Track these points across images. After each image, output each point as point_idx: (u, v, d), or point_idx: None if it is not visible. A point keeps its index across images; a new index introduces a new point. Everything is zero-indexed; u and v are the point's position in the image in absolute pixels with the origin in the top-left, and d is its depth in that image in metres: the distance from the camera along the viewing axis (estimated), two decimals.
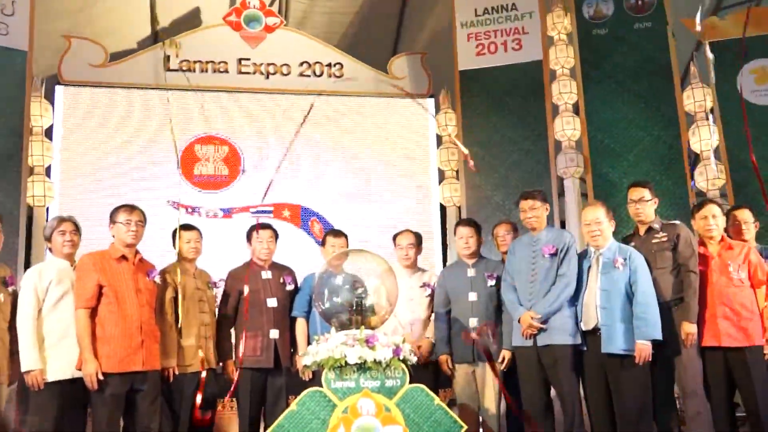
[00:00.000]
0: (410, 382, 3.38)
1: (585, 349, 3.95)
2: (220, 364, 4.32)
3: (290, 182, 6.67)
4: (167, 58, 6.67)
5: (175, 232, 4.29)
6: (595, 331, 3.86)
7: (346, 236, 4.64)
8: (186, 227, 4.33)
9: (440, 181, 6.93)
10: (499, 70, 6.80)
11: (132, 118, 6.52)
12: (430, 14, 8.03)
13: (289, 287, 4.44)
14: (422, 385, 3.42)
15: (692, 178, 6.25)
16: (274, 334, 4.28)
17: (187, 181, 6.48)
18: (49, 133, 6.25)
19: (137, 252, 3.85)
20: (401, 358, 3.38)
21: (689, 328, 3.89)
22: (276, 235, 4.52)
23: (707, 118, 6.28)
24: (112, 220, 3.83)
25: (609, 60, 6.59)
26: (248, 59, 6.88)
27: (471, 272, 4.36)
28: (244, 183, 6.60)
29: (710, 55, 5.81)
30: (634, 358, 3.73)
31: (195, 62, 6.76)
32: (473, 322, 4.24)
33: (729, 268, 3.98)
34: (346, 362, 3.29)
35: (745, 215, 4.36)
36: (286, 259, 4.70)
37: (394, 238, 4.65)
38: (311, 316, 4.35)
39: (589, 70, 6.60)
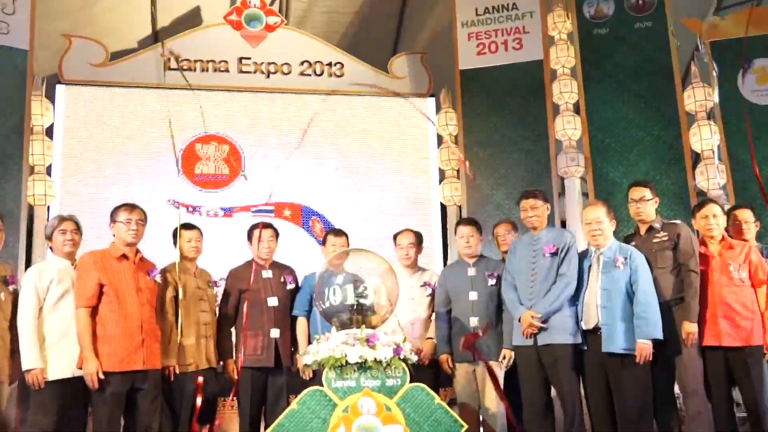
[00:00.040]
0: (411, 382, 3.39)
1: (585, 348, 3.95)
2: (221, 363, 4.32)
3: (291, 181, 6.67)
4: (167, 58, 6.67)
5: (175, 231, 4.29)
6: (596, 330, 3.86)
7: (346, 235, 4.64)
8: (186, 226, 4.33)
9: (441, 181, 6.93)
10: (499, 69, 6.80)
11: (132, 117, 6.52)
12: (431, 14, 8.04)
13: (290, 286, 4.44)
14: (423, 385, 3.42)
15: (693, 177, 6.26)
16: (275, 333, 4.28)
17: (187, 180, 6.49)
18: (49, 132, 6.26)
19: (138, 251, 3.85)
20: (402, 357, 3.38)
21: (690, 328, 3.89)
22: (277, 234, 4.52)
23: (708, 118, 6.28)
24: (113, 219, 3.82)
25: (610, 59, 6.60)
26: (249, 58, 6.88)
27: (471, 271, 4.36)
28: (245, 182, 6.59)
29: (714, 72, 5.79)
30: (634, 358, 3.73)
31: (196, 61, 6.76)
32: (474, 321, 4.24)
33: (729, 268, 3.98)
34: (346, 361, 3.30)
35: (745, 215, 4.35)
36: (287, 259, 4.71)
37: (395, 237, 4.64)
38: (312, 315, 4.35)
39: (589, 70, 6.61)
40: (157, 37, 7.54)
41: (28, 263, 5.57)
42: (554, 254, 4.01)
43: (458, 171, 6.80)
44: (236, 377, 4.21)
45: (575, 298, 3.97)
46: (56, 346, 3.61)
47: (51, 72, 6.50)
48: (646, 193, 4.15)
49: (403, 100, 7.00)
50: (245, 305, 4.27)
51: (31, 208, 5.97)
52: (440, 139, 6.98)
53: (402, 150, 6.96)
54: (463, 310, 4.29)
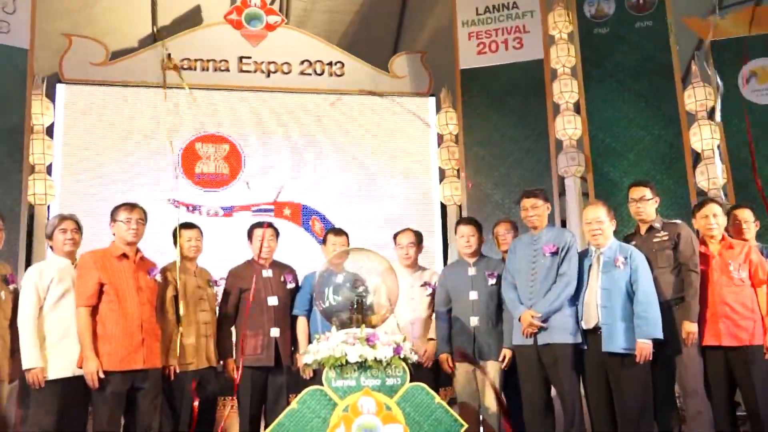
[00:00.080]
0: (411, 381, 3.39)
1: (585, 348, 3.95)
2: (221, 362, 4.32)
3: (291, 181, 6.67)
4: (168, 57, 6.66)
5: (175, 230, 4.29)
6: (596, 330, 3.86)
7: (347, 235, 4.65)
8: (187, 226, 4.34)
9: (441, 180, 6.93)
10: (499, 68, 6.79)
11: (133, 117, 6.51)
12: (431, 13, 8.03)
13: (290, 286, 4.44)
14: (423, 384, 3.43)
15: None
16: (275, 332, 4.28)
17: (188, 180, 6.49)
18: (50, 131, 6.25)
19: (138, 250, 3.86)
20: (402, 356, 3.38)
21: (690, 327, 3.89)
22: (277, 234, 4.52)
23: (708, 117, 6.27)
24: (113, 218, 3.83)
25: (610, 59, 6.59)
26: (249, 58, 6.87)
27: (472, 271, 4.36)
28: (245, 181, 6.58)
29: (719, 84, 5.77)
30: (634, 357, 3.73)
31: (196, 60, 6.76)
32: (474, 320, 4.25)
33: (730, 268, 3.99)
34: (346, 361, 3.30)
35: (745, 214, 4.35)
36: (287, 258, 4.71)
37: (395, 237, 4.65)
38: (312, 314, 4.35)
39: (590, 69, 6.60)
40: (157, 36, 7.53)
41: (28, 262, 5.56)
42: (554, 254, 4.01)
43: (458, 170, 6.79)
44: (236, 376, 4.21)
45: (575, 298, 3.97)
46: (56, 346, 3.61)
47: (51, 71, 6.50)
48: (647, 192, 4.15)
49: (403, 100, 7.02)
50: (249, 305, 4.27)
51: (31, 207, 5.96)
52: (441, 138, 6.98)
53: (402, 149, 6.96)
54: (464, 309, 4.29)
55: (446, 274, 4.53)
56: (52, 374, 3.56)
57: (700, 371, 3.98)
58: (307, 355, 3.49)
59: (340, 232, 4.67)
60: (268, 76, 6.89)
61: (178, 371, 3.95)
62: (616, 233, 4.07)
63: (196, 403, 3.98)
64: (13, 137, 5.90)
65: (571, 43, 6.67)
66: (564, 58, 6.62)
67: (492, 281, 4.29)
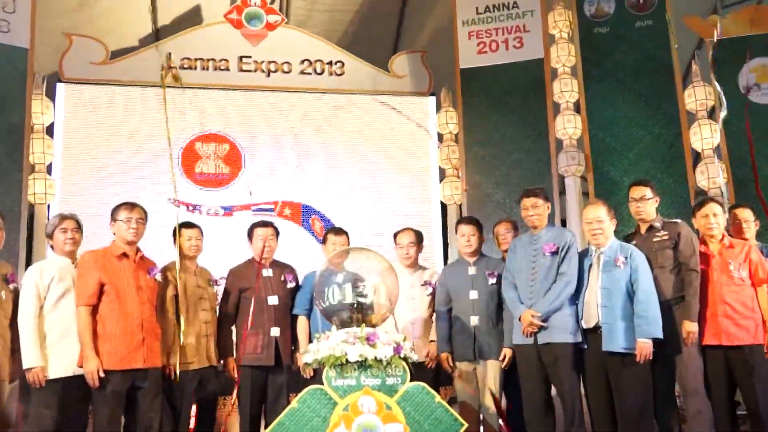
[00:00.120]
0: (411, 380, 3.39)
1: (586, 347, 3.95)
2: (221, 361, 4.32)
3: (291, 180, 6.68)
4: (168, 56, 6.67)
5: (175, 229, 4.29)
6: (596, 329, 3.86)
7: (347, 234, 4.65)
8: (187, 225, 4.34)
9: (441, 179, 6.93)
10: (500, 68, 6.80)
11: (133, 116, 6.52)
12: (431, 12, 8.04)
13: (290, 285, 4.44)
14: (423, 383, 3.42)
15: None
16: (275, 331, 4.28)
17: (188, 179, 6.49)
18: (50, 130, 6.26)
19: (138, 250, 3.86)
20: (402, 356, 3.38)
21: (690, 327, 3.89)
22: (277, 233, 4.52)
23: (709, 117, 6.27)
24: (113, 217, 3.83)
25: (610, 58, 6.59)
26: (249, 57, 6.88)
27: (472, 270, 4.36)
28: (245, 181, 6.59)
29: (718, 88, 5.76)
30: (634, 357, 3.73)
31: (196, 60, 6.76)
32: (474, 320, 4.25)
33: (730, 267, 3.98)
34: (347, 360, 3.30)
35: (745, 214, 4.35)
36: (287, 257, 4.71)
37: (395, 236, 4.65)
38: (312, 314, 4.35)
39: (590, 69, 6.60)
40: (157, 35, 7.54)
41: (28, 262, 5.57)
42: (554, 253, 4.01)
43: (458, 170, 6.80)
44: (236, 376, 4.21)
45: (575, 297, 3.97)
46: (57, 345, 3.61)
47: (51, 70, 6.50)
48: (647, 192, 4.15)
49: (404, 99, 7.02)
50: (248, 304, 4.28)
51: (31, 207, 5.97)
52: (441, 138, 6.98)
53: (402, 148, 6.96)
54: (464, 309, 4.29)
55: (446, 274, 4.53)
56: (53, 373, 3.57)
57: (700, 371, 3.98)
58: (308, 355, 3.49)
59: (340, 231, 4.66)
60: (269, 75, 6.89)
61: (178, 371, 3.94)
62: (616, 233, 4.07)
63: (194, 408, 3.97)
64: (13, 137, 5.91)
65: (572, 43, 6.67)
66: (564, 57, 6.63)
67: (492, 281, 4.29)
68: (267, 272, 4.40)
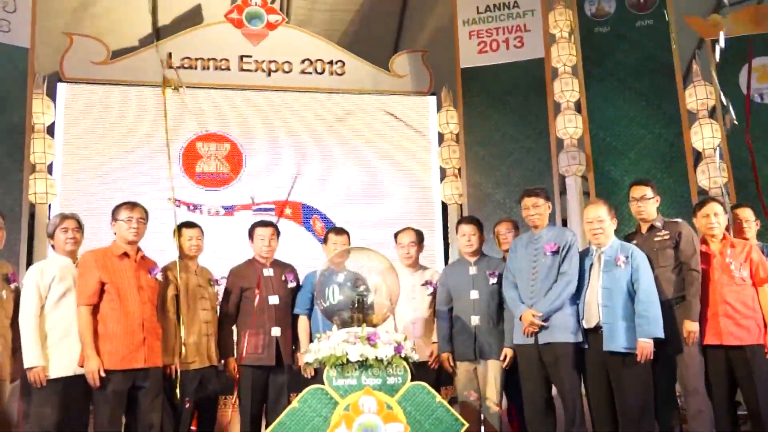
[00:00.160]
0: (412, 380, 3.39)
1: (586, 347, 3.95)
2: (222, 361, 4.32)
3: (292, 180, 6.67)
4: (169, 55, 6.68)
5: (176, 229, 4.29)
6: (597, 329, 3.86)
7: (348, 234, 4.64)
8: (188, 224, 4.34)
9: (442, 179, 6.93)
10: (500, 67, 6.80)
11: (133, 115, 6.52)
12: (432, 12, 8.04)
13: (291, 285, 4.44)
14: (424, 383, 3.42)
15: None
16: (276, 331, 4.28)
17: (188, 179, 6.49)
18: (50, 130, 6.26)
19: (139, 249, 3.86)
20: (403, 355, 3.38)
21: (691, 327, 3.89)
22: (278, 233, 4.53)
23: (710, 116, 6.27)
24: (114, 217, 3.83)
25: (611, 58, 6.59)
26: (250, 57, 6.88)
27: (473, 270, 4.36)
28: (246, 181, 6.60)
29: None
30: (635, 356, 3.73)
31: (197, 59, 6.76)
32: (475, 320, 4.25)
33: (731, 267, 3.98)
34: (347, 360, 3.30)
35: (746, 213, 4.35)
36: (288, 257, 4.71)
37: (396, 236, 4.65)
38: (313, 313, 4.35)
39: (591, 68, 6.60)
40: (158, 35, 7.54)
41: (29, 261, 5.57)
42: (555, 253, 4.01)
43: (459, 169, 6.80)
44: (237, 375, 4.21)
45: (576, 297, 3.97)
46: (58, 344, 3.61)
47: (52, 70, 6.51)
48: (648, 191, 4.14)
49: (404, 99, 7.02)
50: (249, 304, 4.28)
51: (32, 207, 5.97)
52: (441, 137, 6.98)
53: (403, 148, 6.96)
54: (465, 308, 4.29)
55: (447, 274, 4.53)
56: (54, 373, 3.57)
57: (701, 370, 3.97)
58: (308, 354, 3.49)
59: (340, 231, 4.66)
60: (269, 75, 6.89)
61: (179, 370, 3.95)
62: (616, 232, 4.07)
63: (188, 405, 3.97)
64: (13, 136, 5.91)
65: (572, 42, 6.67)
66: (565, 56, 6.63)
67: (493, 280, 4.29)
68: (268, 272, 4.40)
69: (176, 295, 4.07)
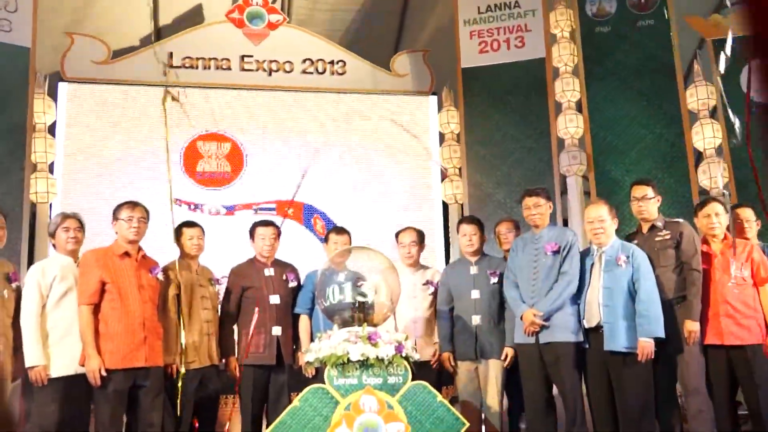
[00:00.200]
0: (412, 379, 3.39)
1: (587, 346, 3.95)
2: (223, 360, 4.32)
3: (292, 179, 6.67)
4: (170, 55, 6.68)
5: (177, 229, 4.30)
6: (598, 328, 3.86)
7: (349, 233, 4.65)
8: (189, 224, 4.35)
9: (442, 179, 6.93)
10: (501, 67, 6.79)
11: (134, 115, 6.52)
12: (432, 12, 8.03)
13: (292, 284, 4.44)
14: (425, 382, 3.42)
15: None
16: (277, 331, 4.28)
17: (189, 178, 6.49)
18: (52, 129, 6.26)
19: (140, 248, 3.86)
20: (404, 355, 3.38)
21: (692, 326, 3.89)
22: (279, 232, 4.53)
23: (711, 116, 6.27)
24: (115, 216, 3.84)
25: (612, 58, 6.58)
26: (251, 56, 6.88)
27: (474, 270, 4.36)
28: (247, 180, 6.60)
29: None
30: (636, 356, 3.73)
31: (198, 59, 6.76)
32: (476, 319, 4.25)
33: (731, 266, 3.98)
34: (348, 359, 3.30)
35: (747, 213, 4.35)
36: (289, 256, 4.71)
37: (397, 235, 4.65)
38: (314, 313, 4.35)
39: (592, 68, 6.60)
40: (159, 34, 7.54)
41: (30, 261, 5.57)
42: (556, 252, 4.01)
43: (460, 169, 6.80)
44: (238, 375, 4.22)
45: (577, 297, 3.97)
46: (59, 344, 3.62)
47: (53, 69, 6.51)
48: (649, 191, 4.14)
49: (405, 98, 7.02)
50: (250, 303, 4.29)
51: (33, 206, 5.97)
52: (442, 137, 6.98)
53: (404, 148, 6.96)
54: (466, 308, 4.29)
55: (448, 273, 4.53)
56: (55, 372, 3.57)
57: (702, 370, 3.97)
58: (309, 354, 3.50)
59: (341, 230, 4.66)
60: (270, 74, 6.89)
61: (182, 369, 3.95)
62: (617, 232, 4.07)
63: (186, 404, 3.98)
64: (14, 136, 5.91)
65: (573, 42, 6.67)
66: (566, 56, 6.62)
67: (494, 280, 4.29)
68: (269, 271, 4.41)
69: (177, 294, 4.07)
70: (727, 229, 4.16)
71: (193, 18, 7.51)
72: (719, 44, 6.29)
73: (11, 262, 4.05)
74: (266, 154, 6.71)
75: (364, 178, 6.83)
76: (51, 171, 6.16)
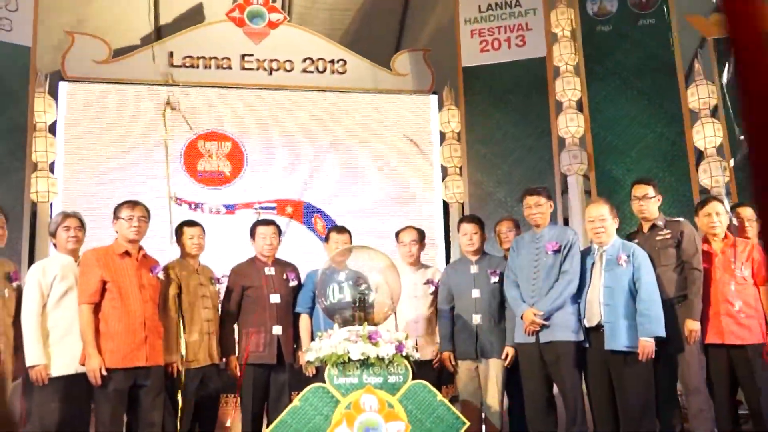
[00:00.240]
0: (413, 379, 3.39)
1: (588, 345, 3.94)
2: (223, 360, 4.33)
3: (293, 179, 6.68)
4: (170, 54, 6.68)
5: (178, 228, 4.30)
6: (599, 328, 3.85)
7: (349, 232, 4.65)
8: (189, 223, 4.35)
9: (443, 178, 6.92)
10: (502, 66, 6.78)
11: (135, 114, 6.51)
12: (433, 10, 8.03)
13: (292, 283, 4.44)
14: (425, 382, 3.42)
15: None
16: (277, 330, 4.28)
17: (190, 178, 6.49)
18: (52, 128, 6.26)
19: (140, 248, 3.86)
20: (404, 354, 3.38)
21: (692, 326, 3.88)
22: (279, 231, 4.53)
23: (711, 115, 6.26)
24: (116, 215, 3.84)
25: (613, 57, 6.58)
26: (251, 55, 6.87)
27: (474, 269, 4.36)
28: (248, 179, 6.60)
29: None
30: (637, 355, 3.73)
31: (198, 58, 6.76)
32: (476, 318, 4.25)
33: (732, 266, 3.98)
34: (349, 358, 3.30)
35: (748, 212, 4.34)
36: (289, 256, 4.71)
37: (397, 234, 4.65)
38: (315, 312, 4.35)
39: (592, 67, 6.59)
40: (159, 33, 7.54)
41: (31, 260, 5.57)
42: (557, 251, 4.01)
43: (461, 168, 6.80)
44: (239, 374, 4.22)
45: (578, 296, 3.97)
46: (59, 343, 3.62)
47: (54, 69, 6.50)
48: (649, 190, 4.14)
49: (406, 98, 7.01)
50: (250, 302, 4.28)
51: (34, 205, 5.97)
52: (443, 136, 6.98)
53: (404, 147, 6.96)
54: (466, 307, 4.29)
55: (449, 272, 4.53)
56: (55, 371, 3.57)
57: (703, 369, 3.97)
58: (310, 353, 3.50)
59: (342, 229, 4.66)
60: (271, 73, 6.89)
61: (183, 369, 3.95)
62: (618, 231, 4.07)
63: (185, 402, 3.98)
64: (15, 135, 5.91)
65: (574, 41, 6.66)
66: (567, 55, 6.61)
67: (494, 279, 4.28)
68: (269, 270, 4.41)
69: (178, 293, 4.07)
70: (728, 228, 4.16)
71: (194, 17, 7.51)
72: (723, 45, 6.29)
73: (12, 261, 4.05)
74: (267, 153, 6.70)
75: (365, 177, 6.82)
76: (51, 170, 6.16)
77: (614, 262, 3.88)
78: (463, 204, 6.72)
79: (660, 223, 4.11)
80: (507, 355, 4.17)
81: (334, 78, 6.99)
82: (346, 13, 8.06)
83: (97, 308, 3.63)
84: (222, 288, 4.46)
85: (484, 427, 4.29)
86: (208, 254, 4.46)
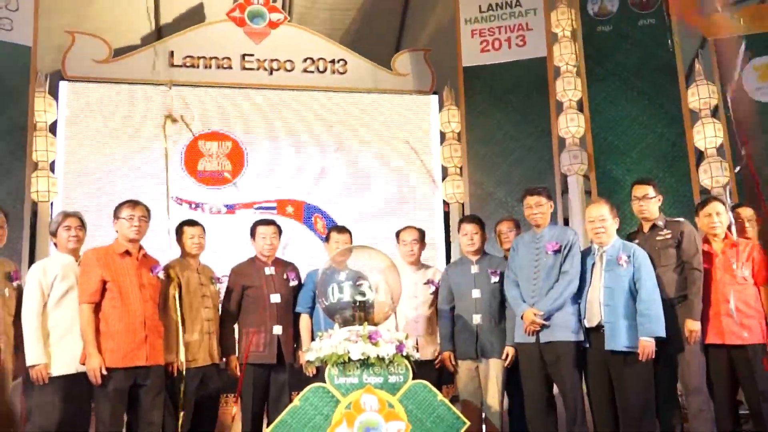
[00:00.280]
0: (413, 379, 3.39)
1: (588, 345, 3.95)
2: (223, 359, 4.33)
3: (293, 178, 6.68)
4: (171, 54, 6.68)
5: (178, 227, 4.30)
6: (599, 328, 3.86)
7: (350, 232, 4.65)
8: (189, 223, 4.35)
9: (443, 178, 6.93)
10: (502, 66, 6.79)
11: (135, 114, 6.51)
12: (434, 10, 8.03)
13: (293, 283, 4.44)
14: (425, 382, 3.42)
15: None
16: (278, 330, 4.29)
17: (190, 177, 6.49)
18: (53, 128, 6.26)
19: (141, 247, 3.86)
20: (404, 354, 3.38)
21: (693, 326, 3.89)
22: (279, 231, 4.53)
23: (712, 116, 6.27)
24: (116, 215, 3.84)
25: (613, 57, 6.58)
26: (252, 55, 6.87)
27: (475, 269, 4.36)
28: (248, 179, 6.60)
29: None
30: (637, 355, 3.73)
31: (199, 58, 6.76)
32: (477, 318, 4.25)
33: (733, 266, 3.98)
34: (349, 358, 3.30)
35: (748, 213, 4.35)
36: (290, 255, 4.71)
37: (398, 234, 4.65)
38: (315, 312, 4.35)
39: (593, 67, 6.59)
40: (160, 33, 7.54)
41: (31, 259, 5.58)
42: (557, 252, 4.01)
43: (461, 168, 6.80)
44: (239, 374, 4.22)
45: (578, 296, 3.97)
46: (60, 342, 3.62)
47: (54, 68, 6.51)
48: (649, 190, 4.14)
49: (406, 98, 7.02)
50: (251, 302, 4.28)
51: (34, 205, 5.98)
52: (443, 136, 6.98)
53: (404, 147, 6.96)
54: (467, 307, 4.29)
55: (449, 272, 4.53)
56: (56, 371, 3.58)
57: (703, 369, 3.98)
58: (310, 353, 3.50)
59: (342, 229, 4.66)
60: (271, 73, 6.89)
61: (183, 368, 3.95)
62: (618, 231, 4.07)
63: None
64: (16, 134, 5.92)
65: (574, 41, 6.66)
66: (567, 56, 6.62)
67: (495, 279, 4.29)
68: (269, 270, 4.41)
69: (178, 293, 4.07)
70: (728, 228, 4.16)
71: (194, 17, 7.51)
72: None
73: (12, 260, 4.06)
74: (267, 153, 6.70)
75: (365, 176, 6.82)
76: (52, 170, 6.16)
77: (614, 262, 3.88)
78: (463, 204, 6.72)
79: (660, 223, 4.11)
80: (507, 355, 4.17)
81: (335, 78, 6.99)
82: (346, 13, 8.06)
83: (97, 308, 3.63)
84: (222, 288, 4.46)
85: (484, 427, 4.29)
86: (209, 254, 4.46)
